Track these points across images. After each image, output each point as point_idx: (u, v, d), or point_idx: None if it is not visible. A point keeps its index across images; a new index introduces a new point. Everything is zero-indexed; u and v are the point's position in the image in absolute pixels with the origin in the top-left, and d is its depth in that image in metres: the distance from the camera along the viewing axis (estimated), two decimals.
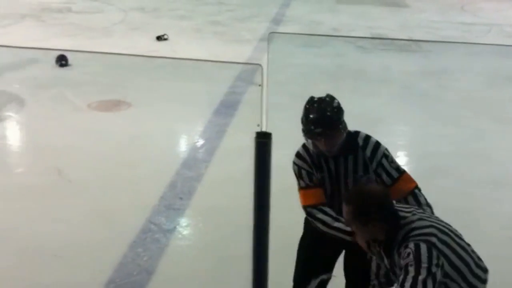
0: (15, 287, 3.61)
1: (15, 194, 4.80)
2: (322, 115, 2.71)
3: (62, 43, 9.76)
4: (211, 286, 3.66)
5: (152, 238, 4.18)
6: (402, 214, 2.37)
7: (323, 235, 2.80)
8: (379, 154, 2.78)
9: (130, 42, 10.24)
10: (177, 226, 4.39)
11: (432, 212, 2.68)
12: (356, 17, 13.17)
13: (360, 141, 2.80)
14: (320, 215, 2.74)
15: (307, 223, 3.01)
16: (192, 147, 5.96)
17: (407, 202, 2.71)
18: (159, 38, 10.35)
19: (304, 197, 2.82)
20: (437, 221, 2.37)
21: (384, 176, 2.75)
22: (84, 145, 5.77)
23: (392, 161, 2.81)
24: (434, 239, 2.24)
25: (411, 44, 10.62)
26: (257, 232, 1.69)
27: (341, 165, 2.77)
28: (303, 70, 8.90)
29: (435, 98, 7.80)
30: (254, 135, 1.47)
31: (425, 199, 2.76)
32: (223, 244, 4.11)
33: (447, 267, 2.23)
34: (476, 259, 2.37)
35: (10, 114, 6.77)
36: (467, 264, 2.29)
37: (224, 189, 4.94)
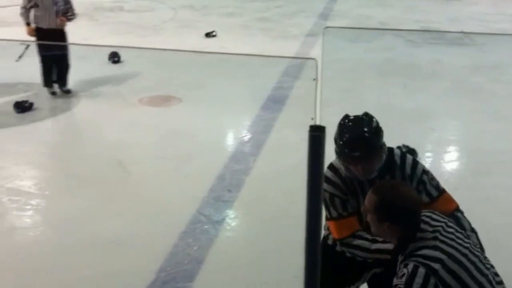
0: (71, 275, 3.77)
1: (74, 187, 4.98)
2: (359, 137, 2.38)
3: (114, 41, 10.04)
4: (259, 277, 3.71)
5: (202, 229, 4.27)
6: (424, 226, 2.15)
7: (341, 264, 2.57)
8: (419, 171, 2.50)
9: (180, 39, 10.43)
10: (226, 218, 4.46)
11: (477, 238, 2.42)
12: (405, 11, 12.96)
13: (398, 160, 2.51)
14: (356, 241, 2.46)
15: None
16: (240, 141, 6.03)
17: None
18: (208, 35, 10.50)
19: (337, 229, 2.51)
20: (455, 246, 2.09)
21: (423, 195, 2.46)
22: (136, 139, 5.94)
23: (432, 178, 2.52)
24: (437, 266, 2.01)
25: (462, 37, 10.36)
26: (309, 226, 1.70)
27: None
28: (352, 64, 8.84)
29: (488, 92, 7.59)
30: (307, 129, 1.49)
31: (469, 223, 2.47)
32: (271, 236, 4.15)
33: None
34: None
35: (66, 109, 7.04)
36: None
37: (272, 182, 4.99)
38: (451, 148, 5.97)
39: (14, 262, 3.87)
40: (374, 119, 2.43)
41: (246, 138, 6.06)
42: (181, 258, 3.89)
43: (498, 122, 6.48)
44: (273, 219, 4.39)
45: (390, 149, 2.53)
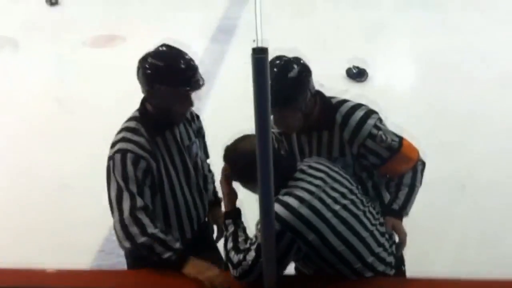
0: (25, 220, 3.72)
1: (21, 134, 4.87)
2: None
3: None
4: None
5: None
6: (299, 175, 2.01)
7: None
8: (362, 135, 2.20)
9: None
10: None
11: (410, 192, 2.27)
12: None
13: (339, 118, 2.22)
14: None
15: None
16: None
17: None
18: None
19: None
20: (335, 198, 1.97)
21: (371, 157, 2.24)
22: (82, 81, 5.73)
23: (381, 140, 2.21)
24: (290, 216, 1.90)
25: None
26: (261, 158, 1.67)
27: (309, 143, 2.29)
28: None
29: (441, 4, 7.40)
30: (250, 52, 1.41)
31: (414, 178, 2.29)
32: None
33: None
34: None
35: (5, 57, 6.66)
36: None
37: (224, 113, 4.88)
38: (404, 62, 5.99)
39: None
40: (292, 65, 2.17)
41: None
42: None
43: (453, 34, 6.43)
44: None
45: (339, 102, 2.27)
